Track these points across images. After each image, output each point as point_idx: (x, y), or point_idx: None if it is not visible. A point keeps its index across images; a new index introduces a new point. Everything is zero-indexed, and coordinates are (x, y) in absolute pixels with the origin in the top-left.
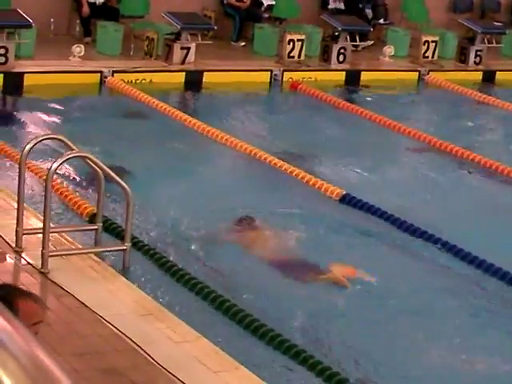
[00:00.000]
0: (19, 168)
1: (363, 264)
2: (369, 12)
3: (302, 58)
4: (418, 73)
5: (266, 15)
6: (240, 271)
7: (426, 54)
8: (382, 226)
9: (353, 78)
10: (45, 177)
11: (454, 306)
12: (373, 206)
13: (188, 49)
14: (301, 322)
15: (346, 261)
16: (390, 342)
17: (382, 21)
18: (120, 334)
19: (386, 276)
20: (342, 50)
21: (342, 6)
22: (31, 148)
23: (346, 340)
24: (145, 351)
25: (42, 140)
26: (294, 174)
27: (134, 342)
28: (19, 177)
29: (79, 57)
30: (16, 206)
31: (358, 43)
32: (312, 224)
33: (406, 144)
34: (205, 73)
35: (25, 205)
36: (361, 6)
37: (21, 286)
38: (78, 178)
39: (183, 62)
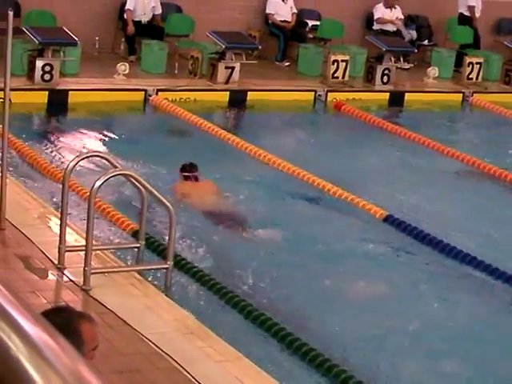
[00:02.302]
0: (62, 185)
1: (396, 282)
2: (413, 33)
3: (346, 78)
4: (462, 95)
5: (311, 35)
6: (284, 295)
7: (470, 76)
8: (424, 248)
9: (396, 99)
10: (88, 194)
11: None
12: (415, 228)
13: (232, 68)
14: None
15: (378, 277)
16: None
17: (426, 42)
18: (161, 352)
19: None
20: (386, 71)
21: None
22: (75, 165)
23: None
24: (185, 370)
25: (86, 157)
26: (336, 195)
27: (175, 361)
28: (62, 194)
29: (124, 75)
30: (59, 222)
31: (405, 65)
32: (354, 242)
33: (449, 166)
34: (249, 92)
35: (67, 222)
36: None
37: (63, 304)
38: (120, 196)
39: (227, 82)
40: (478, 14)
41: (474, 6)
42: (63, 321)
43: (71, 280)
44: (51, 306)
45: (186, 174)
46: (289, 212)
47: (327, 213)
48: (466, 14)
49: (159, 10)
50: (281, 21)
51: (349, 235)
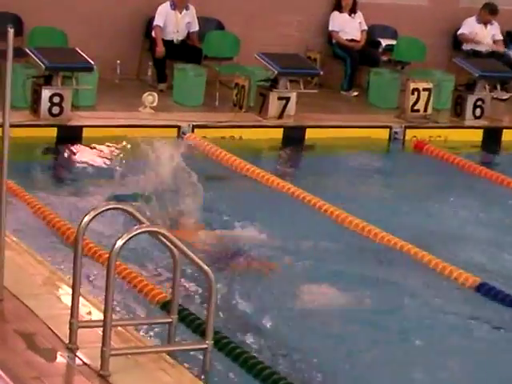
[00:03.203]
0: (75, 245)
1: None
2: None
3: (429, 111)
4: None
5: (385, 58)
6: (351, 378)
7: None
8: None
9: (492, 138)
10: (107, 256)
11: None
12: None
13: (287, 99)
14: None
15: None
16: None
17: None
18: None
19: None
20: (478, 102)
21: None
22: (90, 220)
23: None
24: None
25: (104, 211)
26: (417, 257)
27: None
28: (75, 256)
29: (151, 107)
30: (70, 292)
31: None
32: (438, 314)
33: None
34: (307, 129)
35: (81, 291)
36: None
37: None
38: (147, 258)
39: (281, 116)
40: None
41: None
42: None
43: (85, 363)
44: None
45: None
46: (357, 277)
47: (404, 278)
48: None
49: (196, 27)
50: (347, 40)
51: (432, 306)
